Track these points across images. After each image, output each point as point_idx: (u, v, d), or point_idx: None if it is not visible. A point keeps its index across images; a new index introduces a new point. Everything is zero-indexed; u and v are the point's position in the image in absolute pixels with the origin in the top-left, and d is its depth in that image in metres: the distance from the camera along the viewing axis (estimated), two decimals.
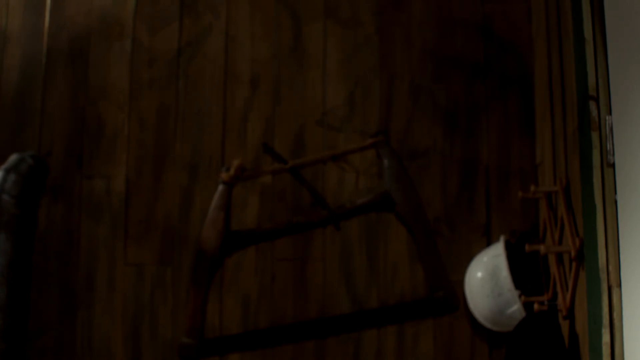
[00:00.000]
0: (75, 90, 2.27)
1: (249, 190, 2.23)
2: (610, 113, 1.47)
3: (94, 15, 2.31)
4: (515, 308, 2.02)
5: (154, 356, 2.17)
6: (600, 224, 1.49)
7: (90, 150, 2.25)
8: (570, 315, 1.83)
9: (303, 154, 2.25)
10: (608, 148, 1.46)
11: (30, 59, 2.28)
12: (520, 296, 2.00)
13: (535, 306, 1.97)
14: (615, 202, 1.44)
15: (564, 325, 1.87)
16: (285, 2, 2.31)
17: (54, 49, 2.28)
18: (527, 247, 1.91)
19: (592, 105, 1.51)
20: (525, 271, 2.06)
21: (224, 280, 2.20)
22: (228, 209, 2.21)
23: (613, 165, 1.45)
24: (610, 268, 1.46)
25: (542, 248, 1.88)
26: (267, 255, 2.21)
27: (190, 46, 2.29)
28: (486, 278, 2.05)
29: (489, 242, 2.19)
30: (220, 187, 2.21)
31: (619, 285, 1.43)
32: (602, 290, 1.47)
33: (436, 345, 2.18)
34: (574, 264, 1.76)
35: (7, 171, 2.03)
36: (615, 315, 1.44)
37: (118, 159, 2.24)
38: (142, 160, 2.25)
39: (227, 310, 2.19)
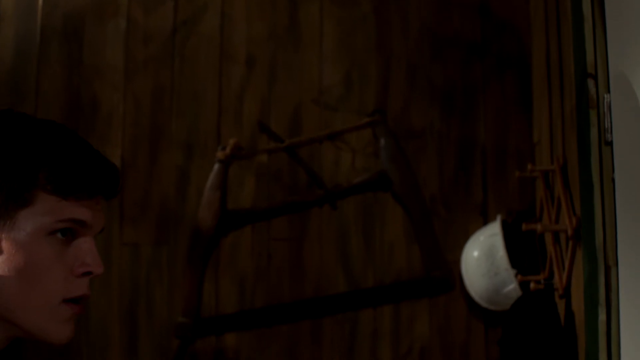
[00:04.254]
0: (69, 70, 2.25)
1: (245, 170, 2.22)
2: (608, 91, 1.46)
3: None
4: (512, 287, 2.02)
5: (151, 336, 2.17)
6: (597, 202, 1.48)
7: (85, 130, 2.23)
8: (567, 294, 1.84)
9: (299, 133, 2.24)
10: (606, 126, 1.45)
11: (24, 38, 2.26)
12: (516, 275, 2.00)
13: (532, 285, 1.97)
14: (613, 180, 1.44)
15: (560, 304, 1.88)
16: None
17: (48, 28, 2.26)
18: (523, 226, 1.91)
19: (591, 84, 1.50)
20: (522, 250, 2.06)
21: (220, 259, 2.20)
22: (224, 189, 2.20)
23: (611, 144, 1.44)
24: (607, 247, 1.45)
25: (538, 227, 1.87)
26: (263, 235, 2.21)
27: (185, 25, 2.28)
28: (482, 257, 2.05)
29: (485, 222, 2.19)
30: (216, 166, 2.20)
31: (616, 264, 1.43)
32: (599, 269, 1.47)
33: (432, 324, 2.19)
34: (570, 243, 1.76)
35: None
36: (611, 294, 1.44)
37: (113, 139, 2.23)
38: (138, 140, 2.24)
39: (223, 289, 2.19)
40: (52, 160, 1.01)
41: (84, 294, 1.04)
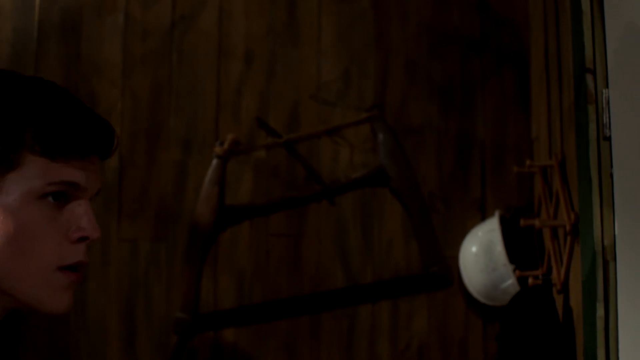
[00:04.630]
0: (67, 66, 2.25)
1: (243, 165, 2.22)
2: (607, 86, 1.46)
3: None
4: (510, 283, 2.02)
5: (149, 331, 2.17)
6: (595, 198, 1.48)
7: None
8: (565, 289, 1.84)
9: (297, 129, 2.24)
10: (604, 121, 1.45)
11: (21, 33, 2.25)
12: (514, 271, 2.00)
13: (530, 281, 1.98)
14: (611, 175, 1.44)
15: (559, 300, 1.88)
16: None
17: (46, 23, 2.26)
18: (522, 222, 1.91)
19: (589, 78, 1.50)
20: (520, 246, 2.06)
21: (218, 255, 2.20)
22: (222, 184, 2.20)
23: (609, 139, 1.44)
24: (606, 242, 1.45)
25: (537, 222, 1.88)
26: (261, 231, 2.21)
27: (183, 20, 2.27)
28: (481, 253, 2.05)
29: (483, 218, 2.19)
30: (215, 162, 2.20)
31: (614, 259, 1.43)
32: (597, 265, 1.47)
33: (430, 320, 2.19)
34: (568, 238, 1.76)
35: None
36: (609, 289, 1.44)
37: None
38: (136, 136, 2.23)
39: (222, 285, 2.19)
40: (39, 118, 0.95)
41: (81, 261, 0.99)
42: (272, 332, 2.18)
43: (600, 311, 1.45)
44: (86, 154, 0.98)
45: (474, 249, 2.08)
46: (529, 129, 2.22)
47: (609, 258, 1.44)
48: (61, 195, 0.97)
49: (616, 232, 1.42)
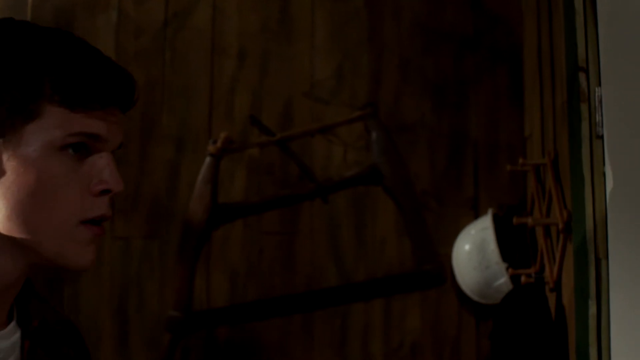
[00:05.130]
0: None
1: (236, 163, 2.22)
2: (599, 84, 1.46)
3: None
4: (503, 281, 2.02)
5: (142, 329, 2.16)
6: (588, 196, 1.49)
7: None
8: (557, 287, 1.84)
9: (291, 126, 2.24)
10: (597, 120, 1.45)
11: None
12: (507, 269, 2.01)
13: (523, 279, 1.98)
14: (604, 174, 1.44)
15: (551, 298, 1.88)
16: None
17: (38, 21, 2.24)
18: (514, 220, 1.91)
19: (582, 77, 1.50)
20: (513, 244, 2.06)
21: (211, 253, 2.20)
22: (215, 182, 2.20)
23: (602, 137, 1.44)
24: (598, 240, 1.46)
25: (529, 220, 1.88)
26: (254, 229, 2.21)
27: (176, 18, 2.27)
28: (474, 251, 2.06)
29: (476, 216, 2.19)
30: (208, 160, 2.19)
31: (606, 257, 1.43)
32: (589, 263, 1.47)
33: (423, 318, 2.19)
34: (561, 237, 1.76)
35: None
36: (602, 287, 1.44)
37: None
38: (129, 134, 2.22)
39: (215, 283, 2.19)
40: (58, 68, 0.92)
41: (104, 214, 0.96)
42: (265, 331, 2.18)
43: (592, 309, 1.45)
44: (106, 104, 0.95)
45: (467, 247, 2.08)
46: (522, 127, 2.22)
47: (601, 256, 1.45)
48: (82, 147, 0.94)
49: (608, 230, 1.42)
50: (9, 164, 0.92)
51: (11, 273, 0.97)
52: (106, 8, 2.25)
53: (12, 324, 1.01)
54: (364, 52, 2.27)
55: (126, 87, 0.98)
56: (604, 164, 1.44)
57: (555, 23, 1.85)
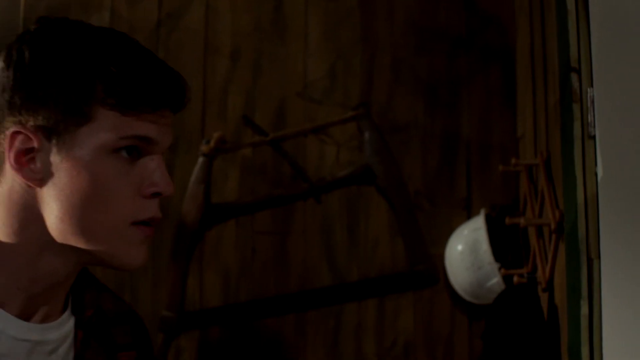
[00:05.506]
0: None
1: (229, 163, 2.22)
2: (592, 85, 1.47)
3: None
4: (495, 281, 2.03)
5: None
6: (580, 196, 1.49)
7: None
8: (550, 287, 1.84)
9: (284, 127, 2.24)
10: (589, 120, 1.45)
11: (6, 30, 2.24)
12: (500, 269, 2.01)
13: (515, 279, 1.98)
14: (596, 174, 1.44)
15: (543, 298, 1.88)
16: None
17: (32, 21, 2.23)
18: (507, 220, 1.92)
19: (574, 77, 1.51)
20: (506, 244, 2.06)
21: (204, 253, 2.20)
22: (208, 182, 2.19)
23: (594, 138, 1.45)
24: (590, 240, 1.46)
25: (522, 221, 1.88)
26: (247, 229, 2.20)
27: (170, 18, 2.26)
28: (466, 251, 2.06)
29: (469, 216, 2.19)
30: (200, 160, 2.19)
31: (598, 257, 1.43)
32: (582, 263, 1.47)
33: (416, 318, 2.19)
34: (553, 237, 1.76)
35: None
36: (594, 287, 1.45)
37: None
38: None
39: (208, 283, 2.19)
40: (110, 71, 0.93)
41: (154, 216, 0.98)
42: (258, 331, 2.18)
43: (584, 309, 1.46)
44: (158, 107, 0.96)
45: (459, 247, 2.08)
46: (515, 127, 2.23)
47: (593, 256, 1.45)
48: (134, 150, 0.96)
49: (600, 231, 1.42)
50: (62, 166, 0.93)
51: (62, 271, 0.99)
52: (99, 8, 2.25)
53: (65, 314, 1.03)
54: (357, 52, 2.27)
55: (177, 89, 0.99)
56: (596, 164, 1.44)
57: (548, 23, 1.86)
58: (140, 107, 0.94)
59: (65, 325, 1.02)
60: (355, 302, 2.20)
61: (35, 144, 0.94)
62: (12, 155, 0.94)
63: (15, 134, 0.94)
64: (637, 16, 1.26)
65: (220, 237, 2.20)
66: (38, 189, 0.95)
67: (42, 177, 0.94)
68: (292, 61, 2.26)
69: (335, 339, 2.19)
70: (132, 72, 0.94)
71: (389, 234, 2.21)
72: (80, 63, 0.94)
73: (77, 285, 1.06)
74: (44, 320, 1.00)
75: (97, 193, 0.94)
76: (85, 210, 0.94)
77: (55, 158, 0.94)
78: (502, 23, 2.27)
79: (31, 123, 0.94)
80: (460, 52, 2.27)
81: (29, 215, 0.96)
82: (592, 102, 1.45)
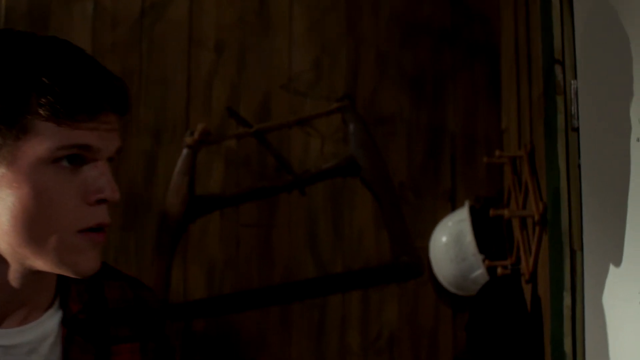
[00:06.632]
0: None
1: (213, 155, 2.21)
2: (575, 77, 1.47)
3: None
4: (479, 272, 2.03)
5: None
6: (563, 188, 1.50)
7: None
8: (533, 279, 1.85)
9: (269, 119, 2.23)
10: (572, 112, 1.46)
11: None
12: (484, 261, 2.02)
13: (499, 270, 1.99)
14: (579, 166, 1.45)
15: (527, 289, 1.89)
16: None
17: (13, 12, 2.22)
18: (491, 212, 1.92)
19: (558, 70, 1.51)
20: (490, 236, 2.07)
21: (188, 245, 2.19)
22: (192, 174, 2.19)
23: (577, 130, 1.45)
24: (573, 232, 1.47)
25: (506, 212, 1.89)
26: (231, 221, 2.20)
27: (153, 9, 2.25)
28: (450, 243, 2.07)
29: (454, 208, 2.20)
30: (184, 152, 2.18)
31: (581, 249, 1.44)
32: (565, 254, 1.48)
33: (401, 310, 2.20)
34: (537, 229, 1.77)
35: None
36: (576, 278, 1.46)
37: None
38: None
39: (192, 275, 2.18)
40: (42, 82, 0.92)
41: (102, 222, 0.97)
42: (242, 323, 2.18)
43: (567, 300, 1.47)
44: (95, 114, 0.95)
45: (444, 239, 2.09)
46: (499, 120, 2.23)
47: (576, 248, 1.46)
48: (76, 158, 0.95)
49: (583, 223, 1.43)
50: (4, 180, 0.93)
51: (19, 281, 0.98)
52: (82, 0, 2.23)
53: (49, 312, 1.03)
54: (342, 45, 2.27)
55: (114, 93, 0.97)
56: (579, 157, 1.45)
57: (532, 16, 1.86)
58: (76, 116, 0.93)
59: (45, 324, 1.02)
60: (339, 295, 2.20)
61: None
62: None
63: None
64: (620, 8, 1.26)
65: (204, 230, 2.19)
66: None
67: None
68: (277, 53, 2.25)
69: (320, 331, 2.19)
70: (65, 82, 0.93)
71: (373, 226, 2.21)
72: (15, 75, 0.93)
73: (66, 280, 1.05)
74: (23, 321, 1.00)
75: (40, 204, 0.94)
76: (30, 222, 0.94)
77: None
78: (487, 17, 2.28)
79: None
80: (445, 46, 2.27)
81: None
82: (576, 94, 1.46)
